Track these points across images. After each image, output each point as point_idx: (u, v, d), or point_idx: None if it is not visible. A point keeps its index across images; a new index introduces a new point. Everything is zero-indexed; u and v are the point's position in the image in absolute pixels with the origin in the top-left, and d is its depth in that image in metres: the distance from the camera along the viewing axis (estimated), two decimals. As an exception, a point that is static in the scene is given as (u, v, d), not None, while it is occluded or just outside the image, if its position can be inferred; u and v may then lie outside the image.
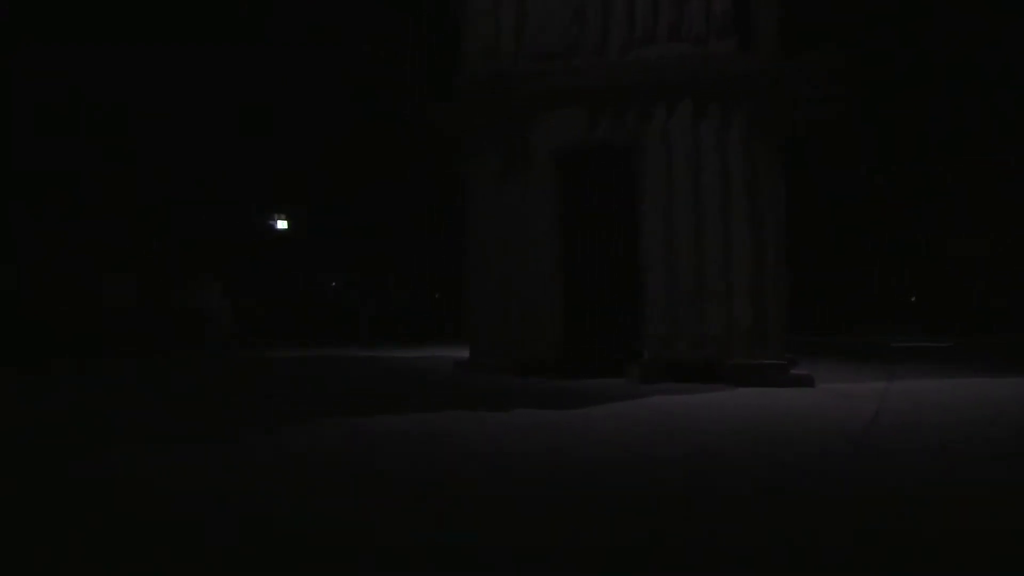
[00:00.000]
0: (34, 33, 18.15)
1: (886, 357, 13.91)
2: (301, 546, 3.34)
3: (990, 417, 6.63)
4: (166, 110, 19.56)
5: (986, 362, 12.45)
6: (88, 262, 16.84)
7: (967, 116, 20.72)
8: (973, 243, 23.80)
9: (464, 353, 11.51)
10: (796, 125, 9.94)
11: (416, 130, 23.63)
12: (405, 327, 23.49)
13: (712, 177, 9.72)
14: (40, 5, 18.27)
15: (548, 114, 10.38)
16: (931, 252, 24.71)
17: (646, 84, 9.91)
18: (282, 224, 23.95)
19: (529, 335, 10.31)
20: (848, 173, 20.33)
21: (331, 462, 4.98)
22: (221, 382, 10.47)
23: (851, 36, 9.76)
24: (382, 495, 4.14)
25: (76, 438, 5.95)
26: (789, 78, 9.54)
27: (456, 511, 3.83)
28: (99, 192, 18.10)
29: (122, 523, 3.70)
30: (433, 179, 24.19)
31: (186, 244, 19.86)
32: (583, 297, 10.43)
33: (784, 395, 8.20)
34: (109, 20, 18.65)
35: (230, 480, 4.49)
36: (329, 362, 13.30)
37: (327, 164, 23.52)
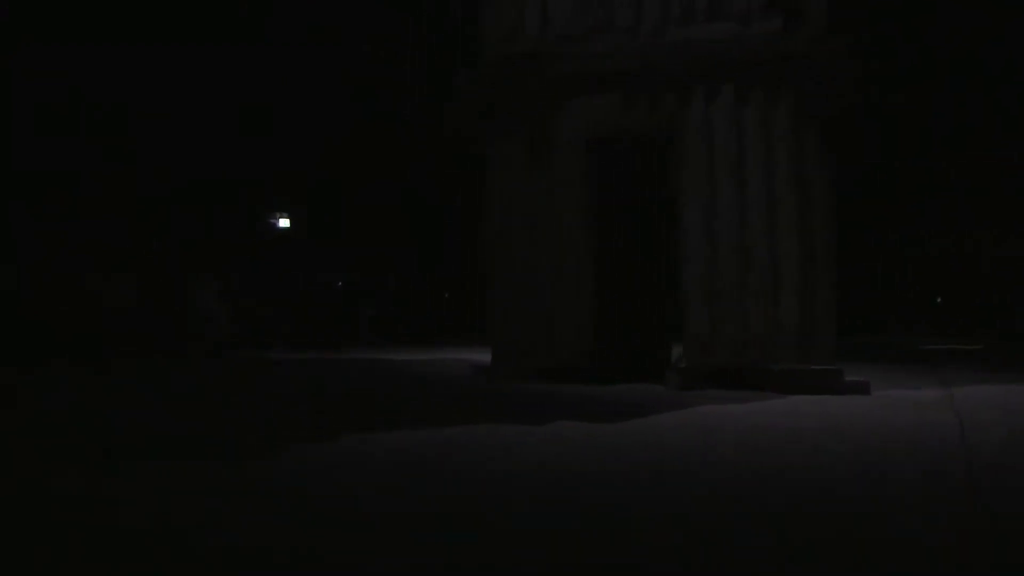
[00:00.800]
0: (34, 33, 18.13)
1: (921, 360, 13.16)
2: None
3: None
4: (166, 110, 19.54)
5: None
6: (88, 262, 16.80)
7: (970, 112, 20.66)
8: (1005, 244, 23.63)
9: (474, 355, 11.31)
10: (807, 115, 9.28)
11: (416, 130, 23.64)
12: (406, 327, 23.45)
13: (756, 166, 9.00)
14: (40, 5, 18.24)
15: (577, 100, 9.64)
16: (938, 250, 24.65)
17: (684, 66, 9.18)
18: (284, 223, 23.91)
19: (557, 338, 9.60)
20: (851, 169, 20.28)
21: (346, 488, 4.34)
22: (221, 386, 10.40)
23: (855, 31, 9.49)
24: (401, 527, 3.75)
25: (76, 438, 5.90)
26: (839, 61, 8.88)
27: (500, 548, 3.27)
28: (99, 192, 18.07)
29: (119, 530, 3.64)
30: (433, 179, 24.17)
31: (186, 244, 19.82)
32: (616, 296, 9.78)
33: (843, 404, 7.46)
34: (109, 20, 18.62)
35: (226, 504, 4.24)
36: (334, 366, 12.71)
37: (327, 164, 23.50)
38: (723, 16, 9.22)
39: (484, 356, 12.43)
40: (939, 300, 25.88)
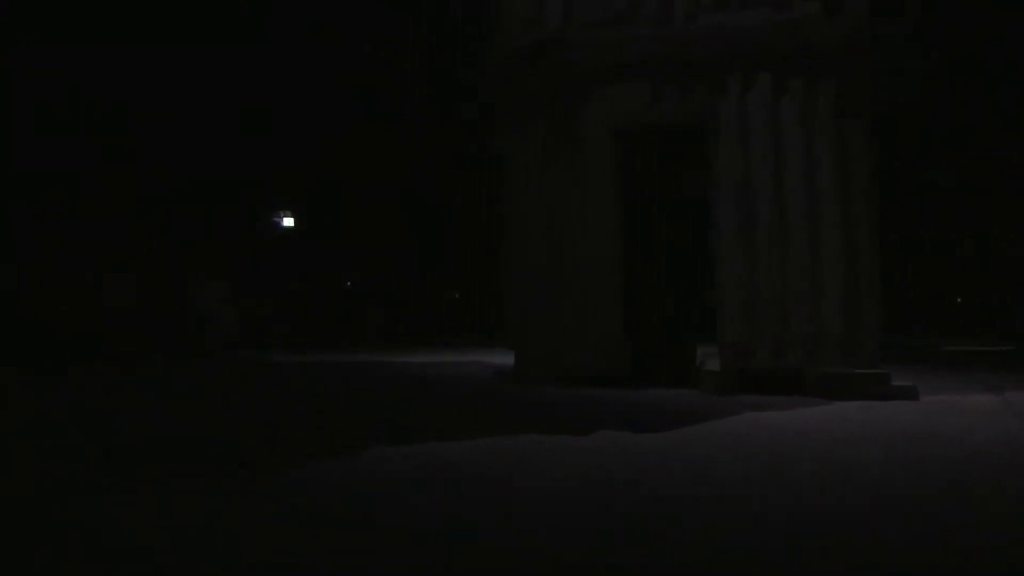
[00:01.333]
0: (34, 33, 18.14)
1: (950, 363, 12.57)
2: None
3: None
4: (166, 110, 19.55)
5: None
6: (88, 262, 16.81)
7: (970, 112, 20.68)
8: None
9: (488, 358, 11.04)
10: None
11: (416, 130, 23.64)
12: (409, 328, 23.38)
13: (796, 160, 8.51)
14: (40, 5, 18.25)
15: (604, 89, 9.10)
16: (938, 251, 24.67)
17: (717, 54, 8.65)
18: (288, 221, 23.93)
19: (583, 340, 9.09)
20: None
21: (374, 509, 3.85)
22: (223, 390, 10.37)
23: (902, 18, 9.19)
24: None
25: (76, 438, 5.90)
26: (884, 48, 8.48)
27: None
28: (99, 192, 18.08)
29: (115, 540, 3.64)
30: (433, 179, 24.18)
31: (186, 244, 19.84)
32: (644, 296, 9.34)
33: (894, 411, 6.93)
34: (109, 20, 18.63)
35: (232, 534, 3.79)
36: (341, 369, 12.15)
37: (327, 164, 23.51)
38: (759, 1, 8.69)
39: (498, 358, 12.16)
40: (959, 300, 25.73)
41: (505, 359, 10.41)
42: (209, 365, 13.33)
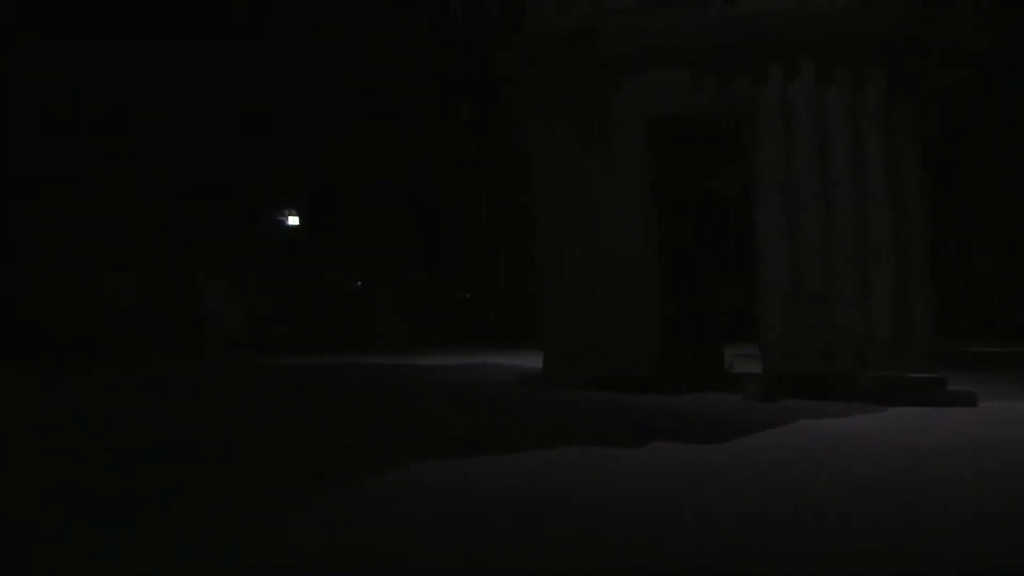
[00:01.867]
0: (34, 33, 18.14)
1: (986, 365, 12.14)
2: None
3: None
4: (166, 110, 19.55)
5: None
6: (88, 262, 16.82)
7: (970, 112, 20.68)
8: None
9: (504, 360, 10.85)
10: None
11: (416, 130, 23.65)
12: (410, 329, 23.30)
13: (842, 152, 8.16)
14: (40, 5, 18.26)
15: (638, 78, 8.73)
16: (938, 250, 24.64)
17: (758, 41, 8.32)
18: (293, 220, 23.93)
19: (619, 342, 8.69)
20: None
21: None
22: (223, 390, 10.35)
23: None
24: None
25: (76, 438, 5.91)
26: (934, 33, 8.17)
27: None
28: (99, 192, 18.08)
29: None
30: (433, 179, 24.19)
31: (186, 244, 19.83)
32: (672, 295, 9.01)
33: (959, 419, 6.46)
34: (109, 20, 18.63)
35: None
36: (354, 372, 11.43)
37: (327, 164, 23.52)
38: None
39: (517, 360, 11.85)
40: (973, 300, 25.61)
41: (520, 360, 10.18)
42: (209, 365, 13.33)
